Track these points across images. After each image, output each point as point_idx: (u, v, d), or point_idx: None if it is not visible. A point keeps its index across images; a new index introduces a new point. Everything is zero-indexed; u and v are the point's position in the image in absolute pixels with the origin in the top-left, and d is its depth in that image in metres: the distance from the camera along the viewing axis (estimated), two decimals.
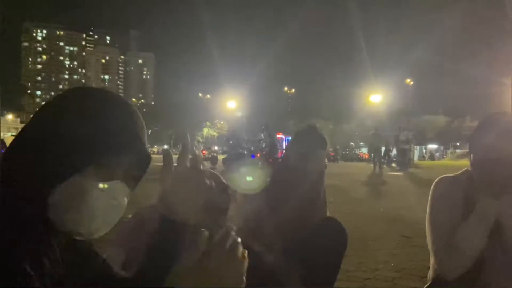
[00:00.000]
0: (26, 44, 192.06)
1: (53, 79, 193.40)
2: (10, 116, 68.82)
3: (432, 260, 1.76)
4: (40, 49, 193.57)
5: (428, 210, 1.64)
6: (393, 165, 21.37)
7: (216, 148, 30.06)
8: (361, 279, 2.85)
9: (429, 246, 1.58)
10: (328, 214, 1.98)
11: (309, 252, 1.74)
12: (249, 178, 1.81)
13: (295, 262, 1.71)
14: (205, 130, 70.07)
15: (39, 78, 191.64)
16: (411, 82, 59.04)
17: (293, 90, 78.57)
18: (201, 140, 25.83)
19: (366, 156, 34.48)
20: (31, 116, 0.82)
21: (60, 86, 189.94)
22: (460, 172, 1.67)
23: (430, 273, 1.75)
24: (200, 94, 77.66)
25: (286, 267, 1.71)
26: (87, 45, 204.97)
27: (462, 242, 1.44)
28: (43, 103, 0.86)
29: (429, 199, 1.66)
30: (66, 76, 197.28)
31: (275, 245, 1.75)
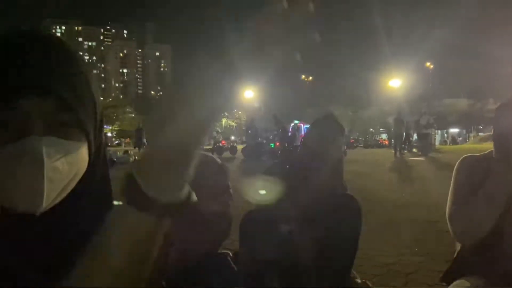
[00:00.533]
0: None
1: None
2: None
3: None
4: None
5: (451, 186, 1.66)
6: (414, 150, 21.07)
7: (233, 138, 30.13)
8: (385, 264, 2.85)
9: (447, 215, 1.58)
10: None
11: (327, 228, 1.77)
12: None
13: (314, 240, 1.74)
14: (224, 120, 70.34)
15: None
16: (431, 66, 57.81)
17: (311, 77, 77.81)
18: (220, 131, 25.90)
19: (386, 142, 34.10)
20: None
21: None
22: (484, 152, 1.68)
23: (455, 256, 1.75)
24: None
25: (306, 245, 1.73)
26: (105, 39, 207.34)
27: (476, 208, 1.46)
28: None
29: (452, 176, 1.68)
30: None
31: (295, 226, 1.78)
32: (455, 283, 1.59)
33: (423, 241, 3.50)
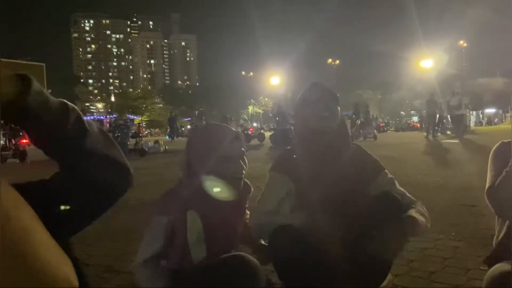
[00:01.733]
0: (75, 35, 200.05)
1: (102, 67, 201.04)
2: None
3: (497, 227, 1.72)
4: (88, 39, 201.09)
5: (488, 171, 1.64)
6: (448, 132, 20.47)
7: (255, 124, 29.94)
8: (422, 249, 2.80)
9: (485, 193, 1.57)
10: None
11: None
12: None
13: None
14: (250, 108, 70.35)
15: (90, 67, 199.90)
16: (465, 44, 55.64)
17: (338, 61, 76.49)
18: (246, 118, 25.90)
19: (418, 125, 33.25)
20: None
21: (110, 74, 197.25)
22: None
23: (495, 240, 1.72)
24: (243, 73, 77.67)
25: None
26: (132, 31, 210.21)
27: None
28: None
29: (489, 161, 1.66)
30: (115, 64, 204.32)
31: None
32: (495, 266, 1.56)
33: (460, 225, 3.41)
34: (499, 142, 1.70)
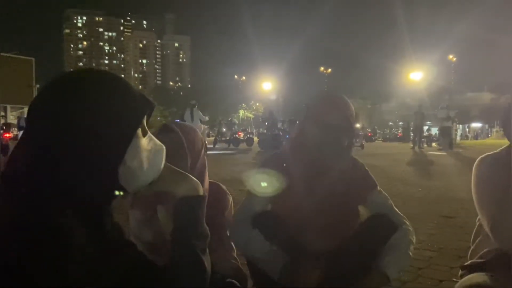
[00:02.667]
0: (67, 31, 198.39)
1: (93, 64, 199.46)
2: None
3: (473, 239, 1.71)
4: (81, 35, 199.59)
5: (473, 191, 1.61)
6: (434, 144, 20.71)
7: (248, 129, 29.76)
8: None
9: (485, 227, 1.53)
10: None
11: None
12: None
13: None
14: (241, 112, 70.39)
15: (81, 64, 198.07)
16: (454, 59, 56.47)
17: (330, 70, 77.05)
18: (237, 122, 25.89)
19: (399, 134, 33.62)
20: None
21: None
22: (500, 149, 1.62)
23: (471, 252, 1.71)
24: (236, 76, 77.81)
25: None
26: (125, 30, 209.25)
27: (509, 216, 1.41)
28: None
29: (472, 180, 1.62)
30: (106, 62, 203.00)
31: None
32: (466, 277, 1.57)
33: (436, 236, 3.45)
34: (479, 158, 1.63)
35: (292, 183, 1.71)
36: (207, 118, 15.78)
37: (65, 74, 0.85)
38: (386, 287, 1.59)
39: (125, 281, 0.87)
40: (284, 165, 1.76)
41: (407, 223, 1.75)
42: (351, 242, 1.68)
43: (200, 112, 14.79)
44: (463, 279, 1.59)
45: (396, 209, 1.79)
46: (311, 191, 1.71)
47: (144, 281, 0.91)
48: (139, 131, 0.86)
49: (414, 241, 1.73)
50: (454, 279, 2.23)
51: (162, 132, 1.46)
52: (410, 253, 1.71)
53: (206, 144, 1.62)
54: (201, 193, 0.99)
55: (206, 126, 15.95)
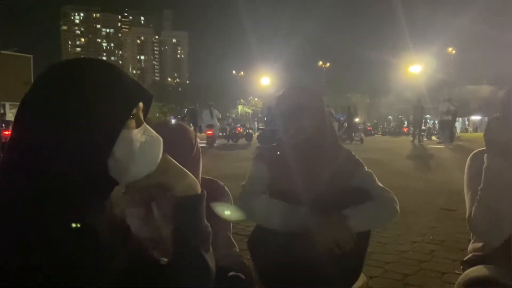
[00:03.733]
0: (65, 27, 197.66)
1: None
2: None
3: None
4: (78, 32, 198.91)
5: (465, 185, 1.63)
6: (434, 138, 20.71)
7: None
8: (398, 251, 2.81)
9: (466, 217, 1.55)
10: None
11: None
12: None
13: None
14: (240, 107, 70.30)
15: None
16: (453, 51, 56.36)
17: (328, 64, 76.91)
18: (234, 117, 25.83)
19: (405, 129, 33.60)
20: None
21: None
22: None
23: (471, 246, 1.72)
24: (234, 72, 77.60)
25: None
26: (123, 26, 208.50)
27: (483, 204, 1.45)
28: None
29: (465, 174, 1.64)
30: (104, 58, 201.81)
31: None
32: (468, 270, 1.57)
33: (438, 229, 3.44)
34: (473, 152, 1.64)
35: (283, 172, 1.79)
36: (220, 116, 17.59)
37: (56, 64, 0.82)
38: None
39: (129, 277, 0.86)
40: (278, 153, 1.87)
41: (387, 194, 1.76)
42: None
43: (216, 111, 16.68)
44: (465, 272, 1.59)
45: (381, 184, 1.80)
46: (300, 178, 1.76)
47: (148, 278, 0.90)
48: (132, 122, 0.83)
49: (390, 210, 1.73)
50: (457, 272, 2.23)
51: (158, 128, 1.46)
52: (381, 219, 1.75)
53: (198, 143, 1.61)
54: (200, 191, 0.98)
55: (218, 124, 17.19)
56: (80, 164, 0.76)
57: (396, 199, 1.74)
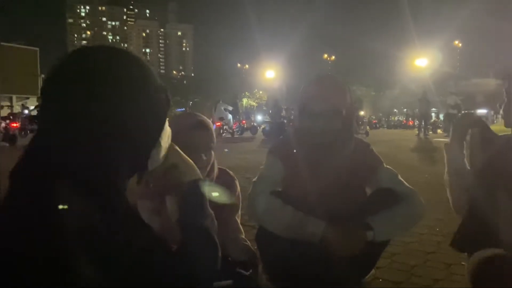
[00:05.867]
0: (70, 21, 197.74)
1: None
2: None
3: None
4: (84, 25, 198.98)
5: None
6: (439, 131, 20.61)
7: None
8: (405, 243, 2.83)
9: None
10: None
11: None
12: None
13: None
14: (244, 100, 70.19)
15: None
16: (460, 44, 55.88)
17: (333, 57, 76.50)
18: (240, 111, 25.89)
19: (410, 123, 33.41)
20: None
21: None
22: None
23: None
24: (239, 65, 77.40)
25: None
26: (128, 19, 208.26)
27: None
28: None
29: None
30: None
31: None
32: (476, 254, 1.59)
33: (444, 221, 3.45)
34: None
35: (299, 168, 1.74)
36: (230, 108, 18.20)
37: (104, 54, 0.85)
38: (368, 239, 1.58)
39: (142, 261, 0.87)
40: (295, 151, 1.80)
41: (415, 196, 1.81)
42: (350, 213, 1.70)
43: (225, 105, 18.08)
44: (475, 254, 1.61)
45: (406, 183, 1.81)
46: (317, 175, 1.74)
47: (160, 263, 0.92)
48: None
49: (417, 213, 1.80)
50: (463, 263, 2.25)
51: (199, 127, 1.60)
52: (407, 224, 1.77)
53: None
54: (201, 176, 1.05)
55: (231, 116, 18.04)
56: (130, 154, 0.81)
57: (420, 198, 1.78)
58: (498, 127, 1.84)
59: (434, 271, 2.40)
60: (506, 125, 1.77)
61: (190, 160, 1.06)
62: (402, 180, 1.81)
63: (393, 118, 44.14)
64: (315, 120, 1.71)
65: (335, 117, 1.71)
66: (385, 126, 36.41)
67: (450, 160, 1.74)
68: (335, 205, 1.67)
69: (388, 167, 1.85)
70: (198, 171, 1.05)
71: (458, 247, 1.70)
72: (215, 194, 1.59)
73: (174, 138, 1.03)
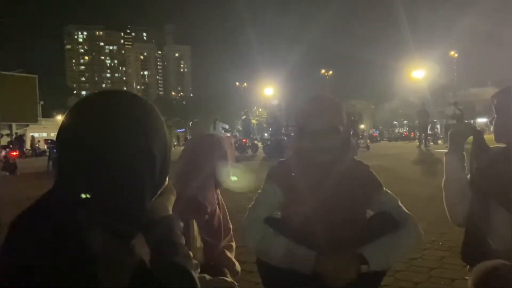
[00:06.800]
0: (69, 46, 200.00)
1: (96, 78, 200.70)
2: (59, 117, 72.55)
3: None
4: (82, 50, 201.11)
5: None
6: (440, 142, 20.60)
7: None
8: (408, 259, 2.80)
9: None
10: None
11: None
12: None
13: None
14: (243, 118, 70.34)
15: (83, 78, 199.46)
16: (456, 55, 56.27)
17: (331, 72, 77.08)
18: (240, 129, 25.96)
19: (405, 134, 33.43)
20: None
21: (103, 85, 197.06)
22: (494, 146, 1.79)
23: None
24: (237, 83, 77.93)
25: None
26: (126, 43, 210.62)
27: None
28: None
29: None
30: (108, 75, 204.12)
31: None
32: (478, 265, 1.60)
33: (448, 234, 3.43)
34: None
35: (298, 192, 1.72)
36: (227, 126, 18.63)
37: (131, 99, 0.93)
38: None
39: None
40: (293, 174, 1.78)
41: (413, 224, 1.68)
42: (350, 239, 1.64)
43: (221, 123, 18.07)
44: (477, 265, 1.61)
45: (405, 209, 1.75)
46: (317, 198, 1.71)
47: None
48: None
49: (415, 242, 1.69)
50: (466, 277, 2.22)
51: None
52: (403, 252, 1.68)
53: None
54: (171, 212, 1.03)
55: (228, 135, 18.09)
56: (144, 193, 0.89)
57: (418, 225, 1.68)
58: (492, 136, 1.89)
59: (438, 287, 2.37)
60: (496, 140, 1.81)
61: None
62: (401, 205, 1.75)
63: (393, 130, 44.16)
64: (314, 138, 1.71)
65: (333, 135, 1.71)
66: (385, 139, 36.41)
67: (447, 168, 1.79)
68: (335, 229, 1.64)
69: (387, 190, 1.80)
70: (169, 207, 1.02)
71: (465, 261, 1.72)
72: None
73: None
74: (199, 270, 1.60)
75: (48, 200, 0.83)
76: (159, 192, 0.97)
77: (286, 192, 1.76)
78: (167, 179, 0.99)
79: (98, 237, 0.77)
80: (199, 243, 1.76)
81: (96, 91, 0.94)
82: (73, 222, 0.77)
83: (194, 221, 1.77)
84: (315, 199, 1.71)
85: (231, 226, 2.12)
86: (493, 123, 1.81)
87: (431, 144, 18.90)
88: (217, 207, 2.00)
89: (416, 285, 2.41)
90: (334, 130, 1.71)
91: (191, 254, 0.99)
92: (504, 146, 1.79)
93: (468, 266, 1.78)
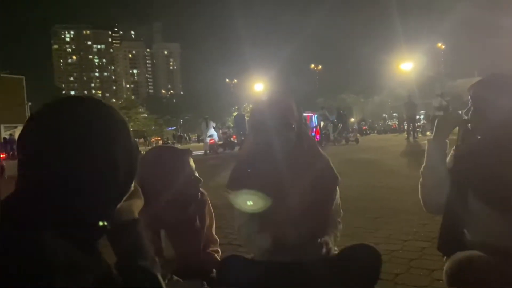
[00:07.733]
0: (56, 46, 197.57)
1: (84, 78, 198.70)
2: None
3: None
4: (69, 50, 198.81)
5: None
6: (428, 133, 20.78)
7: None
8: (389, 251, 2.86)
9: None
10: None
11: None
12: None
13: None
14: (235, 114, 70.29)
15: (71, 78, 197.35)
16: (443, 46, 56.76)
17: (320, 66, 77.31)
18: (231, 125, 26.02)
19: (394, 126, 33.68)
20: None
21: (92, 84, 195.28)
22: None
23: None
24: (227, 80, 77.85)
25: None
26: (114, 41, 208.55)
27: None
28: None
29: None
30: (97, 74, 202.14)
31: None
32: (453, 256, 1.63)
33: (429, 225, 3.48)
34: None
35: (262, 186, 1.77)
36: (214, 124, 19.13)
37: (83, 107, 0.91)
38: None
39: None
40: (249, 170, 1.84)
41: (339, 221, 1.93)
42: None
43: (211, 122, 18.47)
44: (452, 256, 1.65)
45: (339, 209, 1.95)
46: (276, 190, 1.77)
47: None
48: None
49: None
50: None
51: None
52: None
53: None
54: (136, 215, 1.03)
55: (218, 132, 19.11)
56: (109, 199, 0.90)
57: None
58: None
59: (417, 278, 2.42)
60: (474, 132, 1.82)
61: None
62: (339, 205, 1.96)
63: (381, 122, 44.42)
64: (268, 135, 1.77)
65: (287, 129, 1.78)
66: (375, 131, 36.61)
67: (428, 154, 1.79)
68: (304, 223, 1.71)
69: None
70: (135, 211, 1.02)
71: (441, 251, 1.76)
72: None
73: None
74: (170, 276, 1.64)
75: (6, 205, 0.82)
76: (124, 198, 0.96)
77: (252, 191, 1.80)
78: (132, 184, 0.98)
79: (58, 243, 0.76)
80: (170, 252, 1.76)
81: (57, 99, 0.92)
82: (31, 228, 0.76)
83: (164, 230, 1.77)
84: (276, 195, 1.76)
85: (217, 239, 2.06)
86: (469, 115, 1.81)
87: (420, 135, 19.07)
88: (197, 218, 1.91)
89: (396, 276, 2.46)
90: (286, 125, 1.78)
91: (158, 261, 1.00)
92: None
93: (444, 257, 1.82)
